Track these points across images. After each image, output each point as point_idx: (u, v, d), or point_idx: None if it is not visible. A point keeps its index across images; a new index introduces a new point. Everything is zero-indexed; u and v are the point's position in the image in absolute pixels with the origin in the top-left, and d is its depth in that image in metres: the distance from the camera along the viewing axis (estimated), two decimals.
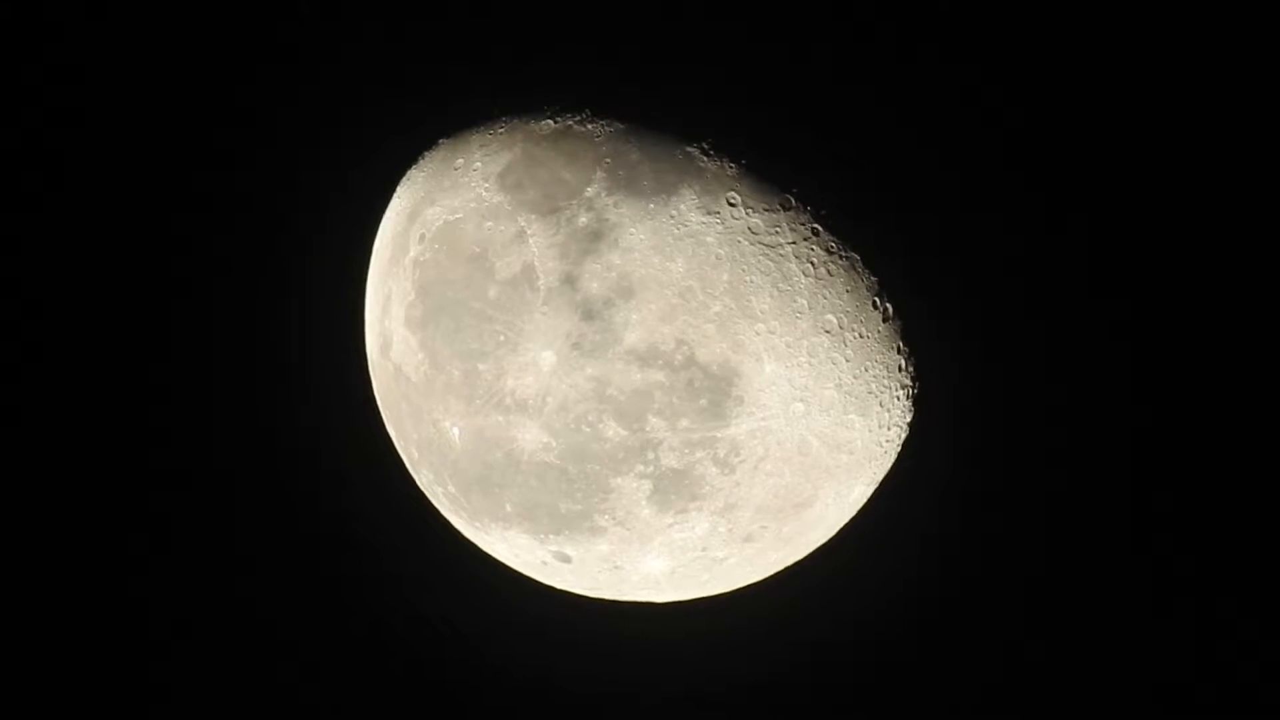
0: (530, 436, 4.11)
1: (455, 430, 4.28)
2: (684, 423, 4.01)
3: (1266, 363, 5.96)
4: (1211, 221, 5.90)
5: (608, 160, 3.99)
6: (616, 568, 4.50)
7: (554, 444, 4.09)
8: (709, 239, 3.92)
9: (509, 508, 4.35)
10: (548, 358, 3.99)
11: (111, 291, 6.27)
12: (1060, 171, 5.79)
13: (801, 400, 4.08)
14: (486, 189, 4.14)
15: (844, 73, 4.30)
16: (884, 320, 4.23)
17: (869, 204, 4.20)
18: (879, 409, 4.35)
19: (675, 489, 4.14)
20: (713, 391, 3.98)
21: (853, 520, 4.81)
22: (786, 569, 4.91)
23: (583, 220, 3.95)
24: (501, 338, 4.04)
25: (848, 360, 4.15)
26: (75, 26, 5.94)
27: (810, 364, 4.06)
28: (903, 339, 4.32)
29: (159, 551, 6.52)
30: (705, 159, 3.96)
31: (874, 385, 4.28)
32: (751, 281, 3.95)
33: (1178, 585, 6.27)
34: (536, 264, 3.97)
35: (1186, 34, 5.68)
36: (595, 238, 3.93)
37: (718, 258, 3.92)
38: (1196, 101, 5.77)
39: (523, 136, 4.16)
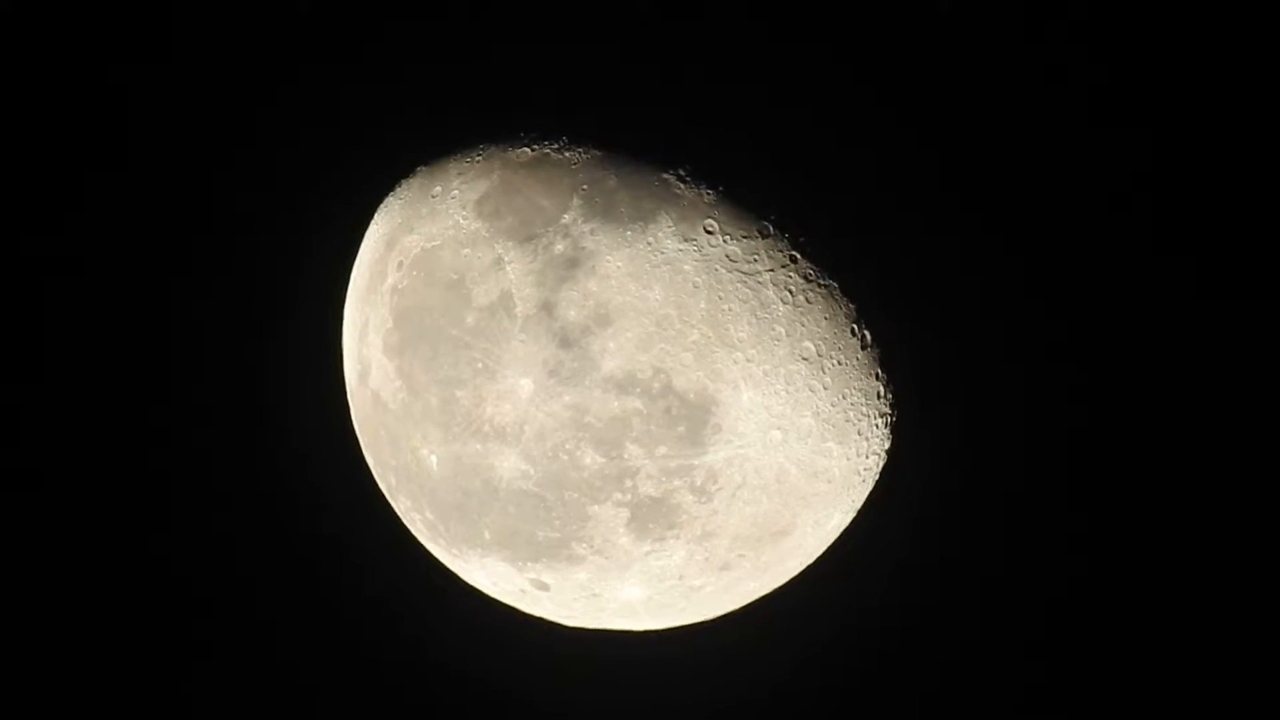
0: (508, 464, 4.09)
1: (433, 457, 4.27)
2: (661, 450, 3.99)
3: (1253, 384, 6.00)
4: (1178, 243, 5.94)
5: (584, 187, 3.99)
6: (594, 595, 4.48)
7: (532, 471, 4.07)
8: (686, 266, 3.92)
9: (487, 535, 4.33)
10: (525, 385, 3.98)
11: (92, 315, 6.26)
12: (1039, 196, 5.82)
13: (779, 428, 4.08)
14: (464, 216, 4.14)
15: (822, 100, 4.30)
16: (863, 347, 4.23)
17: (848, 231, 4.20)
18: (857, 437, 4.35)
19: (653, 517, 4.13)
20: (690, 419, 3.97)
21: (831, 548, 4.80)
22: (764, 597, 4.89)
23: (560, 247, 3.94)
24: (479, 365, 4.03)
25: (826, 388, 4.14)
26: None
27: (788, 392, 4.06)
28: (881, 366, 4.32)
29: (133, 574, 6.49)
30: (682, 186, 3.96)
31: (852, 413, 4.27)
32: (729, 309, 3.94)
33: (1159, 610, 6.28)
34: (514, 291, 3.97)
35: (1143, 72, 5.74)
36: (572, 265, 3.92)
37: (695, 285, 3.92)
38: (1152, 131, 5.82)
39: (500, 164, 4.15)
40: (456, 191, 4.21)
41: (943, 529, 6.15)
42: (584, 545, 4.21)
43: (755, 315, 3.97)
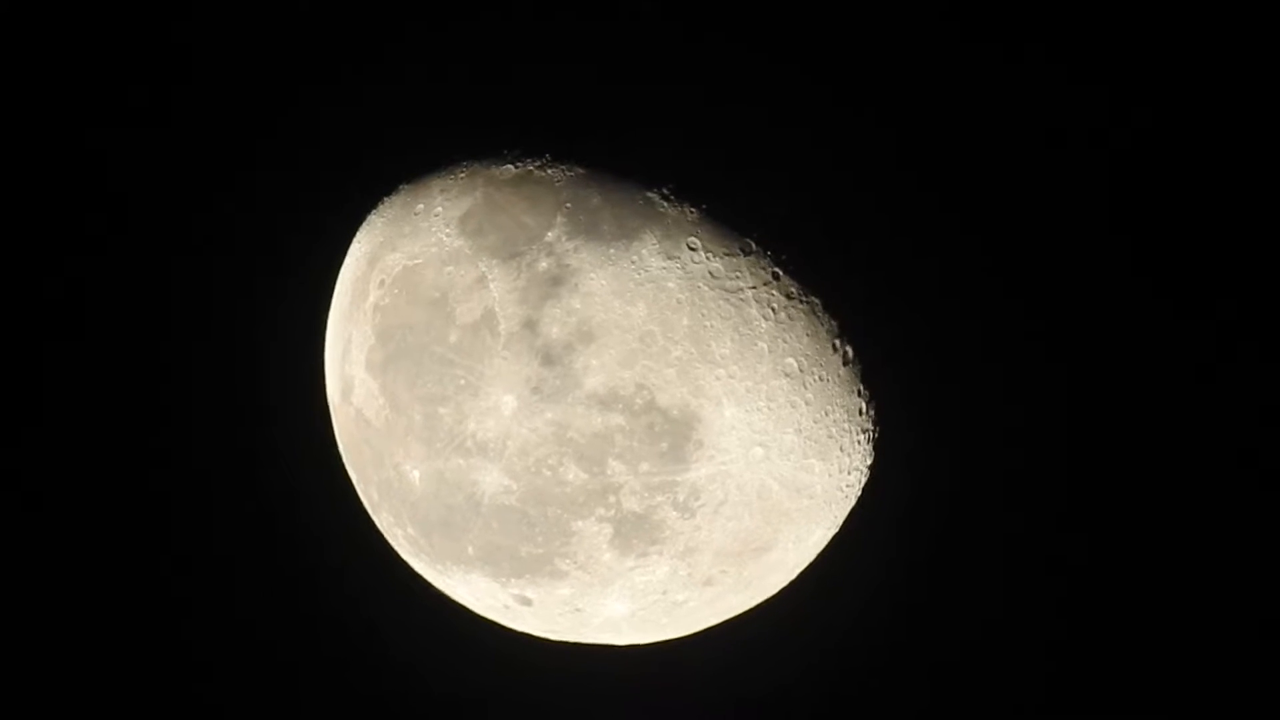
0: (491, 480, 4.09)
1: (415, 473, 4.27)
2: (644, 466, 4.00)
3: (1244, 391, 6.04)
4: (1167, 254, 5.97)
5: (568, 205, 3.99)
6: (577, 611, 4.48)
7: (515, 487, 4.07)
8: (670, 284, 3.93)
9: (470, 551, 4.32)
10: (508, 402, 3.98)
11: (78, 329, 6.25)
12: (1023, 212, 5.84)
13: (761, 444, 4.09)
14: (447, 234, 4.14)
15: (805, 119, 4.32)
16: (844, 364, 4.24)
17: (829, 249, 4.22)
18: (839, 453, 4.36)
19: (636, 532, 4.13)
20: (673, 435, 3.98)
21: (813, 564, 4.82)
22: (747, 612, 4.90)
23: (543, 265, 3.95)
24: (462, 382, 4.03)
25: (808, 404, 4.16)
26: None
27: (770, 408, 4.07)
28: (863, 383, 4.34)
29: (116, 591, 6.47)
30: (666, 204, 3.97)
31: (834, 429, 4.29)
32: (712, 326, 3.95)
33: (1139, 625, 6.30)
34: (497, 309, 3.97)
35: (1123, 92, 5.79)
36: (556, 283, 3.93)
37: (678, 302, 3.93)
38: (1141, 137, 5.86)
39: (483, 181, 4.16)
40: (440, 209, 4.21)
41: (925, 545, 6.16)
42: (567, 561, 4.21)
43: (738, 332, 3.98)
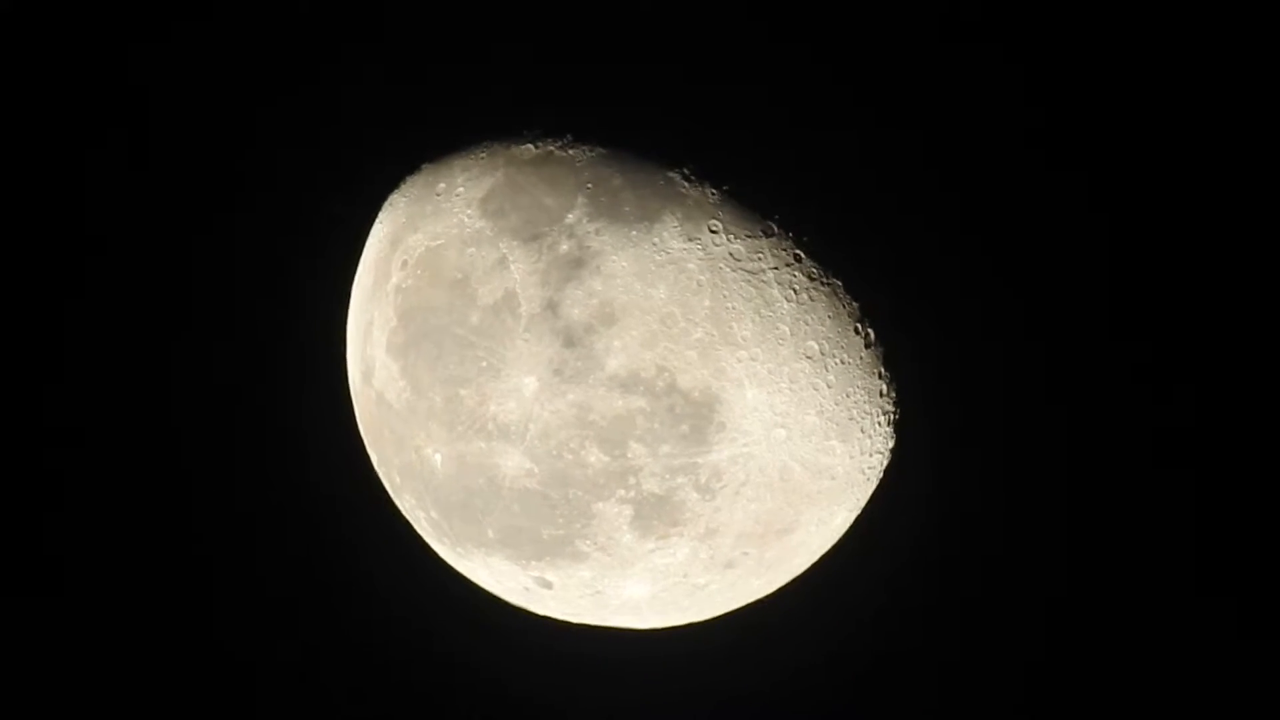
0: (512, 462, 4.09)
1: (437, 456, 4.27)
2: (665, 449, 4.00)
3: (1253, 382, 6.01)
4: (1181, 243, 5.95)
5: (589, 186, 3.98)
6: (598, 593, 4.48)
7: (536, 470, 4.07)
8: (690, 265, 3.92)
9: (491, 533, 4.33)
10: (530, 384, 3.98)
11: (98, 314, 6.27)
12: (1043, 196, 5.82)
13: (783, 426, 4.08)
14: (469, 215, 4.14)
15: (825, 100, 4.30)
16: (866, 346, 4.23)
17: (851, 230, 4.20)
18: (861, 435, 4.35)
19: (657, 515, 4.13)
20: (694, 418, 3.97)
21: (835, 546, 4.81)
22: (768, 595, 4.90)
23: (564, 247, 3.94)
24: (483, 364, 4.03)
25: (829, 386, 4.15)
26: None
27: (792, 390, 4.06)
28: (884, 365, 4.32)
29: (138, 570, 6.51)
30: (687, 185, 3.96)
31: (856, 411, 4.28)
32: (733, 308, 3.94)
33: (1161, 611, 6.28)
34: (518, 290, 3.97)
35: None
36: (577, 264, 3.92)
37: (699, 284, 3.92)
38: (1158, 131, 5.83)
39: (504, 161, 4.15)
40: (461, 189, 4.21)
41: (947, 527, 6.15)
42: (588, 543, 4.22)
43: (759, 314, 3.97)
